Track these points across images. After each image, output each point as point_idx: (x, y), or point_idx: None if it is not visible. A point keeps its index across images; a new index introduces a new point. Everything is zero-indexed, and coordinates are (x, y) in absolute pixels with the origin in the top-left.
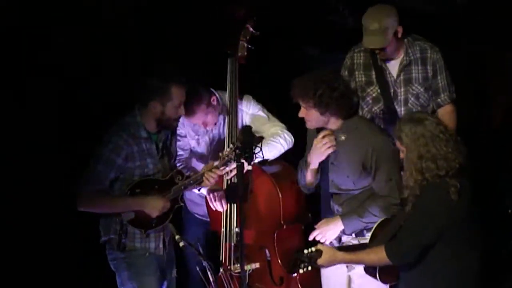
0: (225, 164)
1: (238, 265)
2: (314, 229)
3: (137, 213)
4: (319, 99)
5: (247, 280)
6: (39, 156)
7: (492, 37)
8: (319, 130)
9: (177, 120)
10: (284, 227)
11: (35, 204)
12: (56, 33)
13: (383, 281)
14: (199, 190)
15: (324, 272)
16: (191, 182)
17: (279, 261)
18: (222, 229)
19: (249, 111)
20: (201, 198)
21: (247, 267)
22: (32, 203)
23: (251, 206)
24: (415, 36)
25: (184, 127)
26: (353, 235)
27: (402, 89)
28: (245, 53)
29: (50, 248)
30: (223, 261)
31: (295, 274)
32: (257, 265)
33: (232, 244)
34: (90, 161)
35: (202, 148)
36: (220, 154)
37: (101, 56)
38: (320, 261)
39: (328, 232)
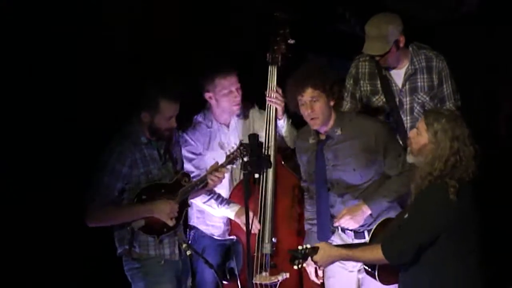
0: (231, 162)
1: (266, 274)
2: None
3: (148, 220)
4: (329, 80)
5: None
6: (48, 167)
7: (499, 44)
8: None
9: (170, 131)
10: None
11: (49, 216)
12: (65, 33)
13: (383, 281)
14: (220, 204)
15: (328, 273)
16: (198, 183)
17: None
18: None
19: (256, 113)
20: (218, 218)
21: (277, 277)
22: (45, 215)
23: (289, 216)
24: (420, 45)
25: (199, 141)
26: (352, 237)
27: (408, 98)
28: (284, 62)
29: (65, 260)
30: (254, 270)
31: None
32: (287, 275)
33: (266, 253)
34: (96, 173)
35: (217, 153)
36: (226, 152)
37: (110, 61)
38: (315, 258)
39: (357, 218)
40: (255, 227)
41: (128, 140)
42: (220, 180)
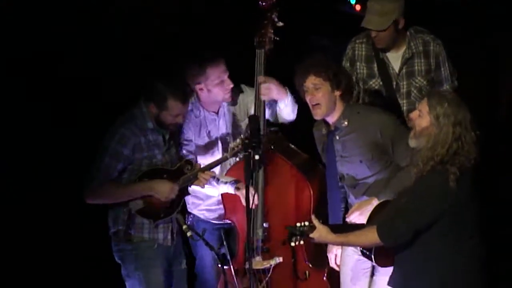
0: (235, 155)
1: (259, 258)
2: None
3: (146, 203)
4: (333, 70)
5: (269, 274)
6: (45, 150)
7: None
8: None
9: (175, 126)
10: None
11: (41, 198)
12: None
13: (379, 264)
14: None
15: (344, 260)
16: (202, 170)
17: (305, 255)
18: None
19: (248, 95)
20: (212, 201)
21: (270, 262)
22: (38, 197)
23: (280, 200)
24: (417, 29)
25: (190, 129)
26: None
27: (405, 82)
28: (272, 45)
29: (54, 242)
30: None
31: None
32: (280, 259)
33: (258, 239)
34: (98, 153)
35: (209, 140)
36: (230, 145)
37: (113, 49)
38: (312, 235)
39: (367, 214)
40: (254, 203)
41: (133, 123)
42: (207, 181)
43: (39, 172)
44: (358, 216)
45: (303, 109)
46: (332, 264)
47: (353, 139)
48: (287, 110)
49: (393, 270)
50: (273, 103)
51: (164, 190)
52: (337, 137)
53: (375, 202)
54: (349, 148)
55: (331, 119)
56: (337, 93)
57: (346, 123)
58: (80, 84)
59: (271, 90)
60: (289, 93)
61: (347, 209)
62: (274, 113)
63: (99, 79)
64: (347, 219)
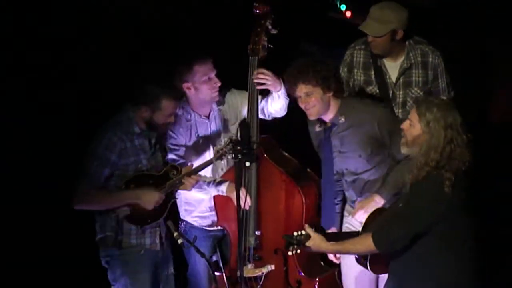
0: (220, 158)
1: (252, 266)
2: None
3: (133, 210)
4: (321, 74)
5: (261, 281)
6: (33, 155)
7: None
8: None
9: (166, 126)
10: None
11: (29, 202)
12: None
13: (375, 271)
14: (208, 184)
15: (345, 270)
16: (187, 175)
17: (297, 264)
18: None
19: (236, 96)
20: (205, 208)
21: (262, 270)
22: (26, 202)
23: (272, 208)
24: (416, 39)
25: (181, 134)
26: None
27: (401, 92)
28: (265, 53)
29: (43, 246)
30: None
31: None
32: (272, 267)
33: (250, 247)
34: (84, 159)
35: (200, 144)
36: (215, 148)
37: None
38: (308, 244)
39: (371, 211)
40: (247, 204)
41: (119, 128)
42: (193, 186)
43: (31, 175)
44: (363, 215)
45: (295, 109)
46: (331, 257)
47: (351, 134)
48: (280, 102)
49: (388, 277)
50: (265, 103)
51: (150, 199)
52: (335, 133)
53: (377, 199)
54: (347, 143)
55: (327, 117)
56: (329, 93)
57: (343, 119)
58: (78, 84)
59: (267, 79)
60: (283, 85)
61: (344, 201)
62: (266, 112)
63: (96, 81)
64: (352, 218)
